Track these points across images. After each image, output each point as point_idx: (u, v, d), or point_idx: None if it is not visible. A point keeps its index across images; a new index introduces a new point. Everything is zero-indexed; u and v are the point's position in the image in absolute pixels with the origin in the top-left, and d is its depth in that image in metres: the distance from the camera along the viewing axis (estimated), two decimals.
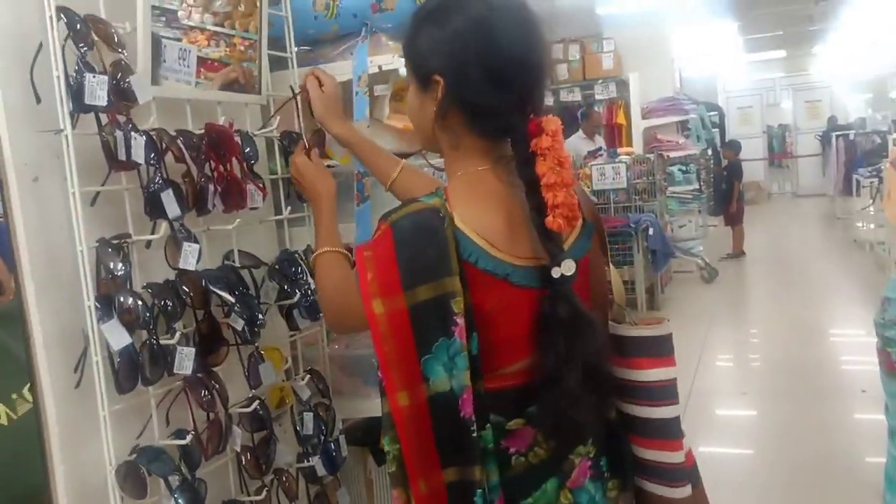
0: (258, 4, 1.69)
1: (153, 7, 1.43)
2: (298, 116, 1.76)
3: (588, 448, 1.30)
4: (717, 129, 11.55)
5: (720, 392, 5.23)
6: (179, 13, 1.51)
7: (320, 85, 1.66)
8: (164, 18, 1.47)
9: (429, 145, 1.34)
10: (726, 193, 9.93)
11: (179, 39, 1.51)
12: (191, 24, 1.54)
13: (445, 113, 1.24)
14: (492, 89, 1.20)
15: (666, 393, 1.34)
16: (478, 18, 1.20)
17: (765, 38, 13.84)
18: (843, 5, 10.84)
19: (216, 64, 1.61)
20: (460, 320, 1.14)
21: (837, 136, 13.03)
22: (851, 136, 12.72)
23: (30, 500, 1.72)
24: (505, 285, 1.19)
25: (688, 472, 1.36)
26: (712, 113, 11.30)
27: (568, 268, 1.18)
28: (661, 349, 1.35)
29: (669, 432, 1.34)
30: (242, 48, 1.67)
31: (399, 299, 1.14)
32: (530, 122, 1.21)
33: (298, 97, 1.73)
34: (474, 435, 1.15)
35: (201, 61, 1.57)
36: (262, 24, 1.71)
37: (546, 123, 1.20)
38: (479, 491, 1.16)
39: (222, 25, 1.62)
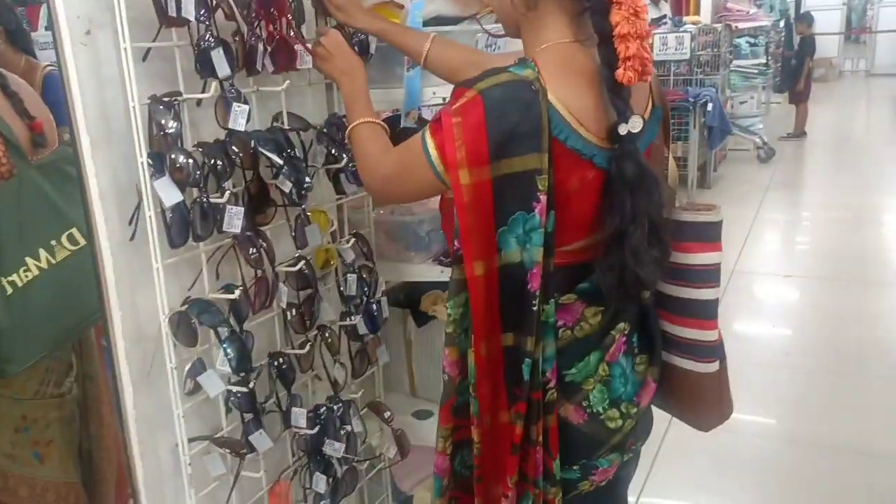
0: None
1: None
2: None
3: (624, 325, 1.34)
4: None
5: (764, 273, 5.22)
6: None
7: None
8: None
9: (508, 21, 1.32)
10: (796, 69, 9.48)
11: None
12: None
13: None
14: None
15: (710, 276, 1.38)
16: None
17: None
18: None
19: None
20: (543, 197, 1.16)
21: None
22: None
23: (68, 339, 1.86)
24: (589, 166, 1.20)
25: (717, 349, 1.41)
26: None
27: (635, 125, 1.18)
28: (711, 234, 1.37)
29: (708, 313, 1.39)
30: None
31: (485, 170, 1.15)
32: None
33: None
34: (535, 308, 1.20)
35: None
36: None
37: None
38: (528, 360, 1.22)
39: None
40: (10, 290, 1.72)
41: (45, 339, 1.77)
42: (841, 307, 4.50)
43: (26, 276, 1.73)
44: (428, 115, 1.98)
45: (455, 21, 2.05)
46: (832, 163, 8.71)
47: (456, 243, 1.21)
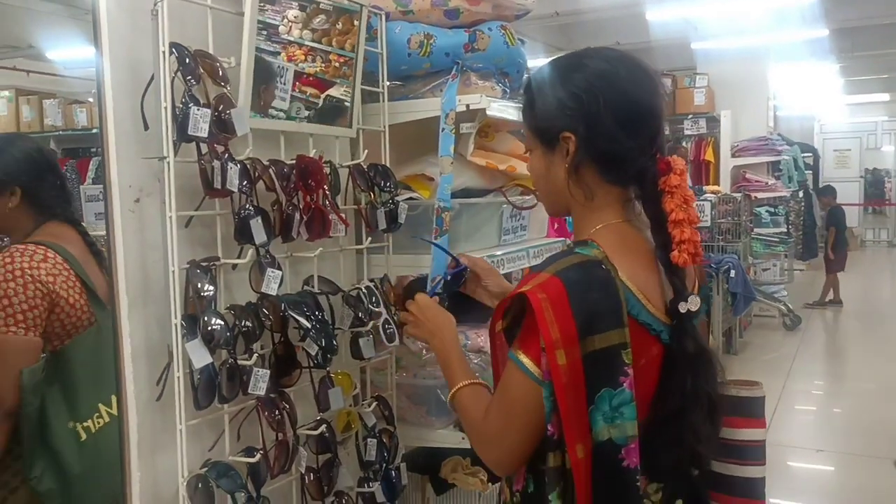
0: (355, 24, 1.75)
1: (257, 21, 1.51)
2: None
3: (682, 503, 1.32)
4: (810, 172, 11.20)
5: (795, 447, 5.05)
6: (280, 28, 1.58)
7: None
8: (265, 32, 1.54)
9: (557, 205, 1.37)
10: (826, 241, 9.69)
11: (279, 53, 1.58)
12: (290, 38, 1.61)
13: (578, 167, 1.28)
14: (625, 135, 1.25)
15: (756, 453, 1.40)
16: (600, 72, 1.26)
17: (868, 81, 13.36)
18: None
19: (311, 78, 1.68)
20: (630, 371, 1.17)
21: None
22: None
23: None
24: (654, 341, 1.24)
25: None
26: (806, 154, 10.96)
27: (694, 303, 1.23)
28: (754, 410, 1.42)
29: (756, 492, 1.41)
30: (338, 64, 1.74)
31: (576, 349, 1.15)
32: (659, 161, 1.26)
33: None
34: (637, 485, 1.18)
35: (297, 75, 1.64)
36: (357, 62, 1.78)
37: (674, 163, 1.26)
38: None
39: (320, 42, 1.69)
40: (83, 436, 1.76)
41: (108, 489, 1.75)
42: (878, 488, 4.31)
43: (98, 423, 1.75)
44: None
45: (482, 193, 2.15)
46: (859, 332, 8.62)
47: (550, 427, 1.18)
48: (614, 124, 1.24)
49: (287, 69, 1.61)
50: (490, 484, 2.18)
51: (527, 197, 2.26)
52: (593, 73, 1.26)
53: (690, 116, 8.57)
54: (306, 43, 1.65)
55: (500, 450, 1.26)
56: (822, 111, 15.51)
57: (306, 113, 1.68)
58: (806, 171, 10.52)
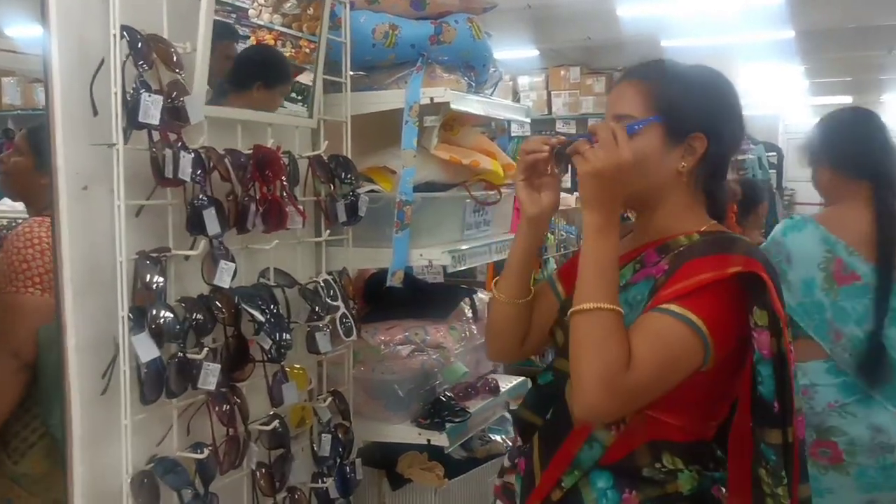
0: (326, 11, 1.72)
1: (224, 2, 1.47)
2: None
3: None
4: (774, 171, 11.31)
5: None
6: (250, 11, 1.54)
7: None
8: (234, 15, 1.50)
9: (645, 195, 1.31)
10: None
11: (248, 37, 1.54)
12: (260, 22, 1.57)
13: (697, 168, 1.31)
14: (738, 147, 1.37)
15: None
16: (735, 91, 1.35)
17: (832, 83, 13.56)
18: None
19: None
20: (792, 348, 1.22)
21: None
22: None
23: None
24: None
25: None
26: (771, 154, 11.06)
27: None
28: None
29: None
30: (308, 50, 1.70)
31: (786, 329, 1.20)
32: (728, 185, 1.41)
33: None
34: (806, 455, 1.25)
35: None
36: (319, 50, 1.74)
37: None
38: None
39: (290, 27, 1.65)
40: None
41: None
42: None
43: None
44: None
45: (445, 187, 2.12)
46: None
47: (776, 404, 1.18)
48: (740, 135, 1.34)
49: None
50: (447, 480, 2.17)
51: (490, 192, 2.24)
52: (725, 83, 1.34)
53: None
54: (276, 27, 1.61)
55: (634, 404, 1.19)
56: (787, 111, 15.69)
57: None
58: (770, 170, 10.61)
